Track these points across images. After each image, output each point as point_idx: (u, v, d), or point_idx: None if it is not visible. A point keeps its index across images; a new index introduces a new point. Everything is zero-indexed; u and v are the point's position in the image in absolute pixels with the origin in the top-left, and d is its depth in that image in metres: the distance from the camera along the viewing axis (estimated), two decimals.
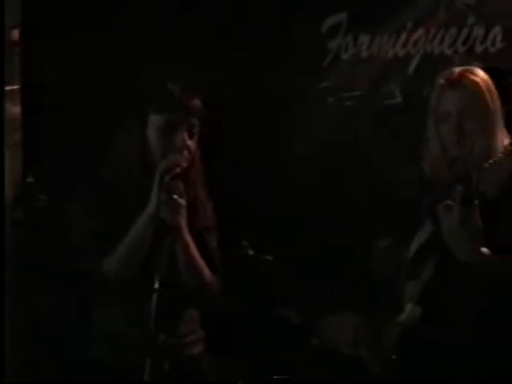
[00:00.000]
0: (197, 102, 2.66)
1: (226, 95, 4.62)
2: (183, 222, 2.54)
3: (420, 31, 4.35)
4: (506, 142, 2.71)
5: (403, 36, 4.40)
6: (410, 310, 2.76)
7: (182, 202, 2.52)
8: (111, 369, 2.61)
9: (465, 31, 4.21)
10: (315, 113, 4.54)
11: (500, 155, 2.55)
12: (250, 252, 3.87)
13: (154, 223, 2.48)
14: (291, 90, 4.57)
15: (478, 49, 4.16)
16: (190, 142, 2.62)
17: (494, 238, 2.59)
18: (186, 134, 2.60)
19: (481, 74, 2.79)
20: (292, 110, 4.57)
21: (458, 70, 2.83)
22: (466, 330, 2.65)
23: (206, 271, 2.68)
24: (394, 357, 2.81)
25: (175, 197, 2.49)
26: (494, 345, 2.62)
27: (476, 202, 2.53)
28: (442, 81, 2.81)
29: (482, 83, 2.74)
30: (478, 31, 4.16)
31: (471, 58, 4.11)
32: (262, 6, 4.65)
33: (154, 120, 2.62)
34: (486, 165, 2.57)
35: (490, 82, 2.77)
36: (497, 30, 4.09)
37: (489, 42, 4.12)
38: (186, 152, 2.60)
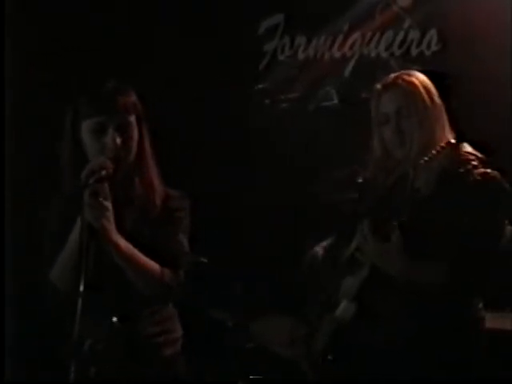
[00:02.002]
0: (129, 101, 2.62)
1: (161, 96, 4.59)
2: (109, 224, 2.48)
3: (356, 34, 4.37)
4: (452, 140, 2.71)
5: (340, 38, 4.41)
6: (344, 307, 2.76)
7: (108, 204, 2.47)
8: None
9: (401, 34, 4.24)
10: (252, 114, 4.52)
11: (433, 152, 2.56)
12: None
13: (81, 227, 2.44)
14: (228, 92, 4.54)
15: (414, 52, 4.19)
16: (120, 140, 2.57)
17: (428, 234, 2.61)
18: (116, 134, 2.56)
19: (417, 75, 2.79)
20: (229, 111, 4.54)
21: (394, 74, 2.84)
22: (398, 328, 2.66)
23: (154, 269, 2.61)
24: (329, 357, 2.81)
25: (100, 199, 2.44)
26: (424, 344, 2.63)
27: (394, 223, 2.58)
28: (378, 86, 2.82)
29: (417, 82, 2.74)
30: (414, 34, 4.20)
31: (407, 60, 4.14)
32: (198, 7, 4.62)
33: (86, 125, 2.59)
34: (421, 161, 2.58)
35: (427, 81, 2.78)
36: (432, 33, 4.13)
37: (424, 44, 4.15)
38: (121, 151, 2.56)
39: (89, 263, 2.31)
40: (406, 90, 2.74)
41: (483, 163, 2.65)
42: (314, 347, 2.85)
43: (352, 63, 4.38)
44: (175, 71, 4.61)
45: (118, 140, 2.56)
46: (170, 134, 4.49)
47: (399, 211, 2.65)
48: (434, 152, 2.57)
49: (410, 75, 2.79)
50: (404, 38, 4.23)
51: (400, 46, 4.24)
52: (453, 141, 2.60)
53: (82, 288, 2.26)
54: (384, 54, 4.28)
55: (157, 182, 2.72)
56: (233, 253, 4.24)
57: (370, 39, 4.33)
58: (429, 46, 4.14)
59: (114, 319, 2.44)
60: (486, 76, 3.99)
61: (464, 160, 2.64)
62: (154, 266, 2.60)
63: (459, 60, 4.04)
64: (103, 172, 2.46)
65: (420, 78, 2.78)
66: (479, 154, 2.69)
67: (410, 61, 4.14)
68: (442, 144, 2.59)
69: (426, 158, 2.56)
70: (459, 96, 3.95)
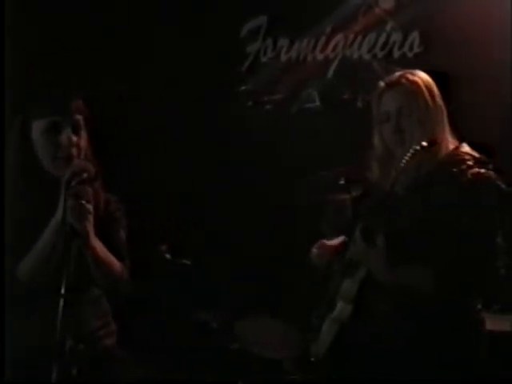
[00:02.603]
0: (79, 103, 2.67)
1: (144, 98, 4.59)
2: (90, 227, 2.52)
3: (339, 36, 4.38)
4: (452, 143, 2.72)
5: (322, 40, 4.42)
6: (341, 308, 2.76)
7: (90, 207, 2.50)
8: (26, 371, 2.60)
9: (383, 36, 4.25)
10: (234, 116, 4.52)
11: (408, 155, 2.57)
12: (168, 256, 3.84)
13: (62, 229, 2.45)
14: (211, 93, 4.54)
15: (396, 54, 4.21)
16: (76, 139, 2.62)
17: (415, 236, 2.61)
18: (70, 132, 2.60)
19: (421, 75, 2.76)
20: (211, 113, 4.54)
21: (398, 73, 2.80)
22: (395, 328, 2.66)
23: (116, 266, 2.67)
24: (312, 359, 2.82)
25: (83, 202, 2.46)
26: (422, 344, 2.63)
27: (380, 229, 2.59)
28: (381, 84, 2.80)
29: (420, 82, 2.71)
30: (396, 36, 4.21)
31: (389, 62, 4.15)
32: (182, 10, 4.63)
33: (38, 126, 2.63)
34: (401, 164, 2.59)
35: (431, 82, 2.76)
36: (414, 35, 4.14)
37: (407, 46, 4.16)
38: (74, 149, 2.61)
39: (70, 264, 2.31)
40: (409, 89, 2.70)
41: (480, 163, 2.64)
42: (317, 349, 2.85)
43: (334, 65, 4.39)
44: (158, 73, 4.62)
45: (74, 138, 2.60)
46: (153, 133, 4.51)
47: (386, 214, 2.66)
48: (408, 155, 2.58)
49: (413, 74, 2.75)
50: (386, 40, 4.24)
51: (382, 48, 4.25)
52: (424, 143, 2.60)
53: (63, 290, 2.27)
54: (366, 56, 4.29)
55: (99, 185, 2.75)
56: (219, 254, 4.26)
57: (353, 41, 4.34)
58: (411, 48, 4.15)
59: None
60: (468, 77, 4.00)
61: (459, 160, 2.64)
62: (117, 263, 2.67)
63: (441, 62, 4.05)
64: (85, 174, 2.48)
65: (423, 77, 2.75)
66: (477, 155, 2.68)
67: (393, 63, 4.14)
68: (416, 147, 2.60)
69: (404, 161, 2.57)
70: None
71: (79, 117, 2.65)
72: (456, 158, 2.65)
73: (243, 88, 4.56)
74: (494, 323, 3.33)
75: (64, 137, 2.59)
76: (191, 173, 4.47)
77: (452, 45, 4.04)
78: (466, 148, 2.70)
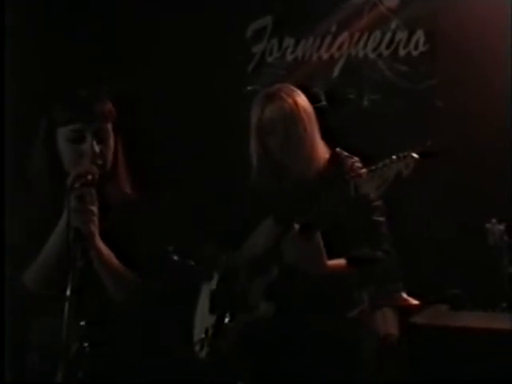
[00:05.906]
0: (105, 108, 2.65)
1: (151, 98, 4.59)
2: (95, 229, 2.51)
3: (344, 35, 4.38)
4: (327, 154, 3.00)
5: (328, 40, 4.42)
6: (265, 307, 2.82)
7: (94, 209, 2.49)
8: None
9: (388, 35, 4.25)
10: (240, 116, 4.51)
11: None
12: (175, 257, 3.84)
13: (65, 232, 2.45)
14: (217, 94, 4.54)
15: (402, 52, 4.19)
16: (99, 148, 2.60)
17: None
18: (93, 141, 2.58)
19: (293, 91, 3.06)
20: (218, 113, 4.55)
21: (276, 86, 3.12)
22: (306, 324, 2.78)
23: (127, 272, 2.64)
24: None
25: (87, 204, 2.46)
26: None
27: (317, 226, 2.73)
28: (262, 94, 3.11)
29: (291, 100, 3.00)
30: (401, 35, 4.20)
31: (395, 61, 4.16)
32: (186, 10, 4.63)
33: (63, 133, 2.63)
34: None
35: (302, 98, 3.05)
36: (420, 34, 4.14)
37: (412, 45, 4.16)
38: (97, 159, 2.58)
39: (75, 267, 2.32)
40: (285, 105, 3.00)
41: (361, 164, 2.87)
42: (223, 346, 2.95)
43: (340, 64, 4.39)
44: (164, 73, 4.62)
45: (97, 147, 2.58)
46: (159, 135, 4.51)
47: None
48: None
49: (289, 89, 3.05)
50: (391, 39, 4.23)
51: (388, 47, 4.24)
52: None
53: (68, 292, 2.27)
54: (372, 55, 4.29)
55: (129, 192, 2.74)
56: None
57: (358, 40, 4.33)
58: (416, 47, 4.15)
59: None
60: (474, 76, 4.00)
61: (346, 164, 2.92)
62: (129, 272, 2.64)
63: (447, 60, 4.06)
64: (89, 177, 2.49)
65: (295, 93, 3.05)
66: (355, 157, 2.96)
67: (398, 61, 4.16)
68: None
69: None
70: (447, 96, 3.99)
71: (106, 123, 2.63)
72: (342, 162, 2.94)
73: (249, 88, 4.57)
74: (501, 322, 3.33)
75: (87, 145, 2.58)
76: (196, 174, 4.47)
77: (458, 43, 4.03)
78: (343, 153, 3.00)
